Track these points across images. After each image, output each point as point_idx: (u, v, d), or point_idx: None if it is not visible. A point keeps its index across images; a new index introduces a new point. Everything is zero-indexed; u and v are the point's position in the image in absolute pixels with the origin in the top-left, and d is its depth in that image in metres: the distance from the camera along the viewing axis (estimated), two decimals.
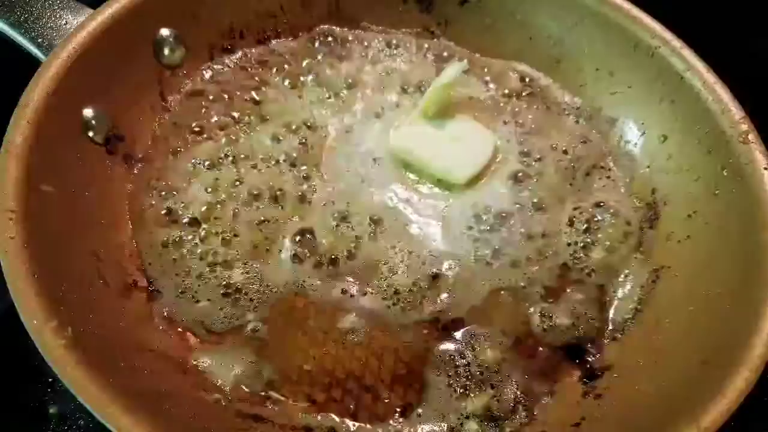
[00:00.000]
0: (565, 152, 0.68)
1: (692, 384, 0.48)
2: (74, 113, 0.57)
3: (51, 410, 0.58)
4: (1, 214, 0.46)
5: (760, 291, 0.50)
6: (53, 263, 0.47)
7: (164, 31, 0.65)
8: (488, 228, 0.61)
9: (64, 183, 0.53)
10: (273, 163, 0.63)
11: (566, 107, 0.72)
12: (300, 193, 0.62)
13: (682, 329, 0.54)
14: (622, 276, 0.60)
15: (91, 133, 0.58)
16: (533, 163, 0.66)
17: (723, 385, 0.45)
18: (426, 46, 0.76)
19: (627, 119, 0.69)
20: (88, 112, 0.58)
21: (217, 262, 0.57)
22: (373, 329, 0.55)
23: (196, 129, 0.65)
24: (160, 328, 0.54)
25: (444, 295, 0.57)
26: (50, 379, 0.59)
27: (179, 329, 0.54)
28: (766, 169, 0.55)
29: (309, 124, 0.67)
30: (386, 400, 0.52)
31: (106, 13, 0.60)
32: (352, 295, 0.56)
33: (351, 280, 0.57)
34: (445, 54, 0.76)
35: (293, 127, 0.66)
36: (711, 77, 0.62)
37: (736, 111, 0.59)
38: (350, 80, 0.71)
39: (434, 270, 0.58)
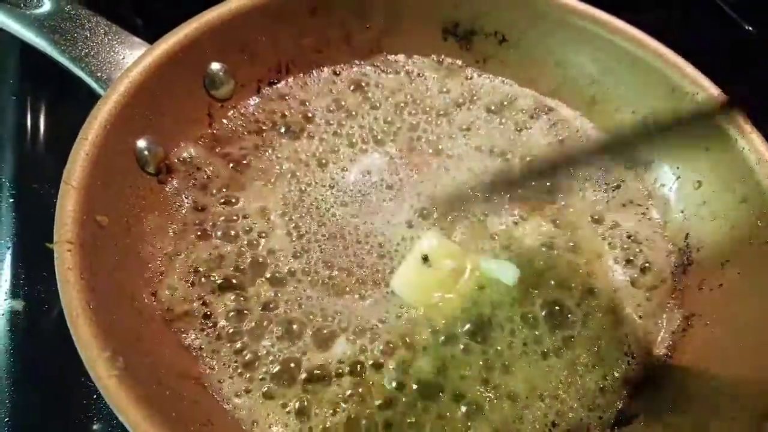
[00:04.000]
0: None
1: None
2: (129, 145, 0.60)
3: (95, 426, 0.61)
4: (60, 245, 0.49)
5: None
6: (106, 293, 0.50)
7: (215, 65, 0.68)
8: None
9: (118, 213, 0.56)
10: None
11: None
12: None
13: (712, 380, 0.54)
14: (653, 322, 0.61)
15: (143, 164, 0.61)
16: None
17: None
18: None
19: (662, 163, 0.70)
20: (141, 144, 0.61)
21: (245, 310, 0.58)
22: None
23: (243, 162, 0.67)
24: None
25: None
26: (94, 396, 0.61)
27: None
28: None
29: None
30: None
31: (161, 48, 0.63)
32: None
33: None
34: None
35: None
36: (748, 126, 0.62)
37: None
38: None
39: None
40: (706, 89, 0.66)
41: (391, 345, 0.56)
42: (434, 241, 0.61)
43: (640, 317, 0.61)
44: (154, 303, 0.56)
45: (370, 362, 0.55)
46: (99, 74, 0.63)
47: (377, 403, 0.53)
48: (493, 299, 0.59)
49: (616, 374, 0.57)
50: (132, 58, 0.63)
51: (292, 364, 0.55)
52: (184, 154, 0.65)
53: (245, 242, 0.62)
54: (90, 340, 0.45)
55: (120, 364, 0.45)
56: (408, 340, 0.57)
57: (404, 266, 0.61)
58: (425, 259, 0.60)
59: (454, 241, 0.63)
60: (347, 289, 0.59)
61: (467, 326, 0.57)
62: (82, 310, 0.46)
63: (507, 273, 0.60)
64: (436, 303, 0.59)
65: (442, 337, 0.57)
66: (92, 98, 0.60)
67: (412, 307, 0.59)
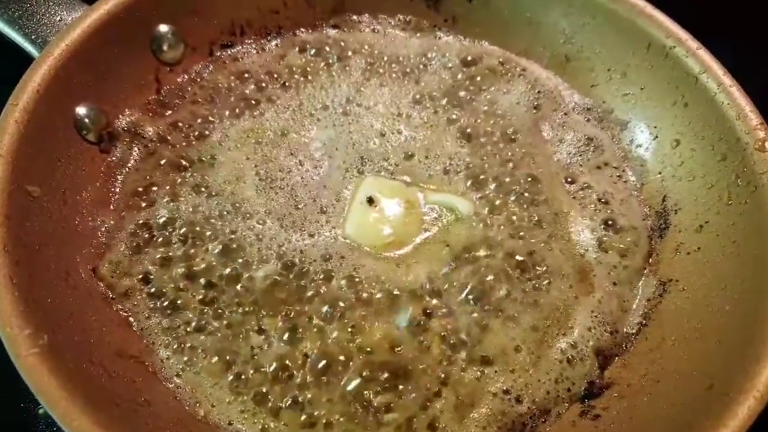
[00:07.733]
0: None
1: (694, 409, 0.45)
2: (67, 111, 0.56)
3: (40, 411, 0.58)
4: None
5: None
6: (34, 267, 0.47)
7: (162, 28, 0.64)
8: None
9: (53, 184, 0.53)
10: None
11: (575, 107, 0.69)
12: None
13: (688, 348, 0.51)
14: (628, 288, 0.57)
15: (84, 132, 0.58)
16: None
17: (727, 414, 0.42)
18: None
19: (639, 122, 0.66)
20: (81, 110, 0.57)
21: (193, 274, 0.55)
22: None
23: (192, 130, 0.63)
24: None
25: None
26: None
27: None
28: None
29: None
30: None
31: (101, 9, 0.59)
32: None
33: None
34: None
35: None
36: (727, 80, 0.58)
37: (753, 116, 0.56)
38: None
39: None
40: (684, 42, 0.62)
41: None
42: (374, 183, 0.61)
43: (615, 284, 0.57)
44: (94, 279, 0.53)
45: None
46: (34, 37, 0.59)
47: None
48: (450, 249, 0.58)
49: (587, 344, 0.53)
50: (70, 20, 0.59)
51: (241, 342, 0.51)
52: (129, 121, 0.61)
53: (193, 215, 0.58)
54: (9, 317, 0.42)
55: (43, 341, 0.42)
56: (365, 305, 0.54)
57: (351, 213, 0.59)
58: (370, 201, 0.59)
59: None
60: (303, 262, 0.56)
61: (420, 292, 0.54)
62: (3, 285, 0.43)
63: (460, 203, 0.60)
64: (390, 242, 0.58)
65: (399, 309, 0.54)
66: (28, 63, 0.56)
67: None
